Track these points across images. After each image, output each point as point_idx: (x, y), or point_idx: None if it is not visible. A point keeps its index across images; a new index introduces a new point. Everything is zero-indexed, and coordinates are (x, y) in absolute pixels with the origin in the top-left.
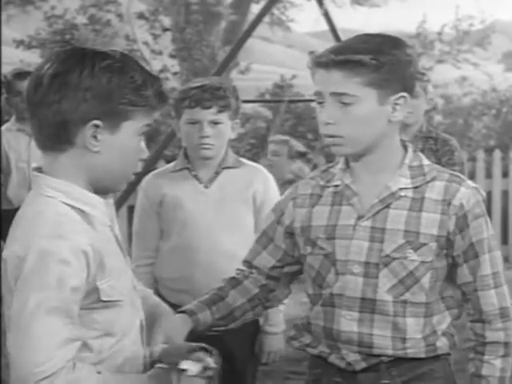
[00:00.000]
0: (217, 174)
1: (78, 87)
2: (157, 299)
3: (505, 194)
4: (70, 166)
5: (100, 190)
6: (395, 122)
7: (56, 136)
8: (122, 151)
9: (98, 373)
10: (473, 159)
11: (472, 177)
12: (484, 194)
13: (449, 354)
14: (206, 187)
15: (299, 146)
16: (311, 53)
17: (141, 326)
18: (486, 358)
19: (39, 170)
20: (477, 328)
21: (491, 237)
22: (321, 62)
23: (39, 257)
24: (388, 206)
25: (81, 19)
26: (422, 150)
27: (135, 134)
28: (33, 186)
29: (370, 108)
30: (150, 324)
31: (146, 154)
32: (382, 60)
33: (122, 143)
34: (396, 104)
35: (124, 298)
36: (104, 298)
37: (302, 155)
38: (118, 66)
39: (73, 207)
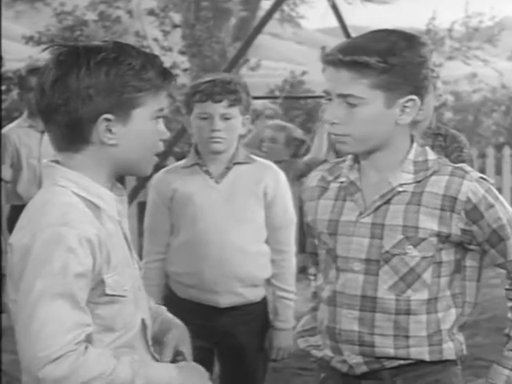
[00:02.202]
0: (228, 169)
1: (78, 87)
2: (170, 315)
3: None
4: (88, 163)
5: (126, 174)
6: (403, 124)
7: (71, 137)
8: (138, 139)
9: (117, 358)
10: (482, 156)
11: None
12: (492, 180)
13: (456, 364)
14: (217, 182)
15: (298, 133)
16: (323, 48)
17: (143, 324)
18: None
19: (57, 162)
20: (511, 294)
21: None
22: (329, 61)
23: (45, 245)
24: (388, 202)
25: (90, 16)
26: (432, 147)
27: (149, 118)
28: (47, 176)
29: (375, 110)
30: (163, 335)
31: (166, 135)
32: (392, 62)
33: (137, 131)
34: (405, 107)
35: (126, 294)
36: (109, 292)
37: (300, 142)
38: (112, 56)
39: (83, 198)
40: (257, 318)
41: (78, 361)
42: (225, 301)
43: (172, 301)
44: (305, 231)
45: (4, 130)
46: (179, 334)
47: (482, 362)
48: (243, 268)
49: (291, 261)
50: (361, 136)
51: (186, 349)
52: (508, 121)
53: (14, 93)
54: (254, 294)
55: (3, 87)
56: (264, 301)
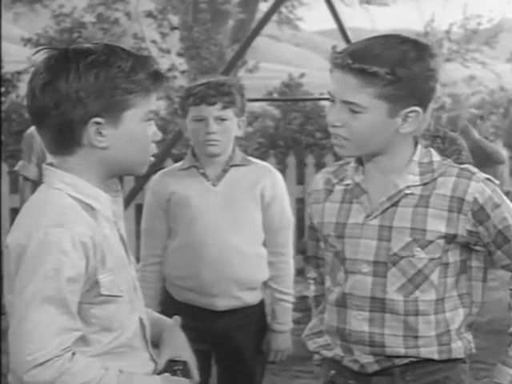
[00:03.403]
0: (224, 171)
1: (68, 91)
2: (157, 314)
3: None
4: (81, 165)
5: (121, 175)
6: (404, 133)
7: (62, 139)
8: (130, 141)
9: (105, 369)
10: None
11: None
12: (497, 182)
13: (465, 363)
14: (214, 185)
15: None
16: (333, 47)
17: (141, 323)
18: None
19: (51, 164)
20: None
21: None
22: (337, 64)
23: (39, 246)
24: (396, 204)
25: (89, 18)
26: None
27: (139, 120)
28: (44, 179)
29: (377, 119)
30: (156, 338)
31: (158, 136)
32: (400, 74)
33: (128, 133)
34: (407, 117)
35: (123, 294)
36: (104, 293)
37: None
38: (102, 59)
39: (79, 201)
40: (254, 320)
41: (63, 367)
42: (222, 304)
43: (169, 304)
44: (307, 234)
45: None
46: (173, 338)
47: (480, 365)
48: (241, 271)
49: (289, 263)
50: (360, 142)
51: (183, 350)
52: (506, 123)
53: (13, 95)
54: (252, 297)
55: (2, 89)
56: (262, 303)
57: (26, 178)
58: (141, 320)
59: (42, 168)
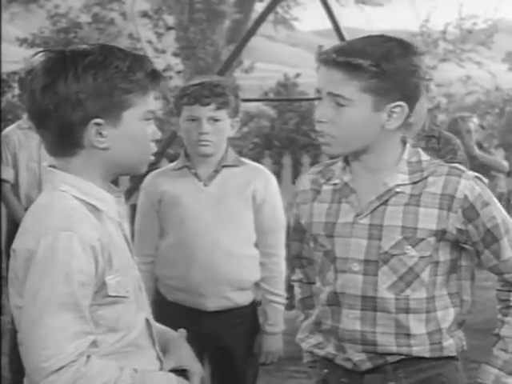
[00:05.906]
0: (216, 172)
1: (67, 93)
2: (162, 326)
3: (509, 193)
4: (84, 167)
5: (122, 175)
6: (389, 129)
7: (63, 141)
8: (130, 140)
9: (120, 370)
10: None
11: None
12: (486, 181)
13: (457, 360)
14: (206, 185)
15: None
16: (320, 47)
17: (147, 323)
18: (507, 319)
19: (54, 167)
20: (502, 295)
21: (505, 219)
22: (323, 59)
23: (48, 250)
24: (385, 203)
25: (84, 18)
26: (425, 149)
27: (139, 119)
28: (48, 181)
29: (362, 113)
30: (160, 350)
31: (158, 135)
32: (384, 67)
33: (128, 132)
34: (392, 112)
35: (129, 295)
36: (112, 294)
37: None
38: (99, 60)
39: (84, 202)
40: (246, 321)
41: (79, 372)
42: (213, 304)
43: (161, 304)
44: (290, 235)
45: (5, 132)
46: (178, 349)
47: (475, 365)
48: (230, 271)
49: (281, 264)
50: (345, 138)
51: (189, 361)
52: (502, 123)
53: (9, 95)
54: (243, 298)
55: None
56: (253, 304)
57: (3, 180)
58: (147, 320)
59: (16, 169)
